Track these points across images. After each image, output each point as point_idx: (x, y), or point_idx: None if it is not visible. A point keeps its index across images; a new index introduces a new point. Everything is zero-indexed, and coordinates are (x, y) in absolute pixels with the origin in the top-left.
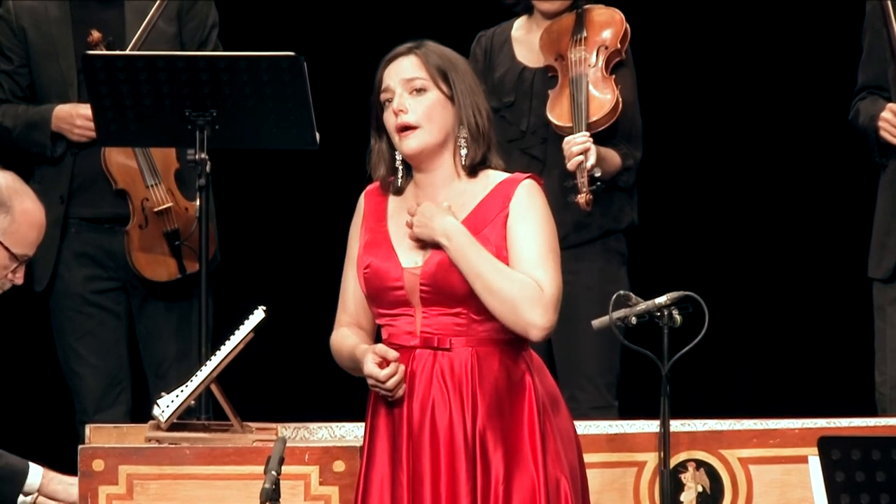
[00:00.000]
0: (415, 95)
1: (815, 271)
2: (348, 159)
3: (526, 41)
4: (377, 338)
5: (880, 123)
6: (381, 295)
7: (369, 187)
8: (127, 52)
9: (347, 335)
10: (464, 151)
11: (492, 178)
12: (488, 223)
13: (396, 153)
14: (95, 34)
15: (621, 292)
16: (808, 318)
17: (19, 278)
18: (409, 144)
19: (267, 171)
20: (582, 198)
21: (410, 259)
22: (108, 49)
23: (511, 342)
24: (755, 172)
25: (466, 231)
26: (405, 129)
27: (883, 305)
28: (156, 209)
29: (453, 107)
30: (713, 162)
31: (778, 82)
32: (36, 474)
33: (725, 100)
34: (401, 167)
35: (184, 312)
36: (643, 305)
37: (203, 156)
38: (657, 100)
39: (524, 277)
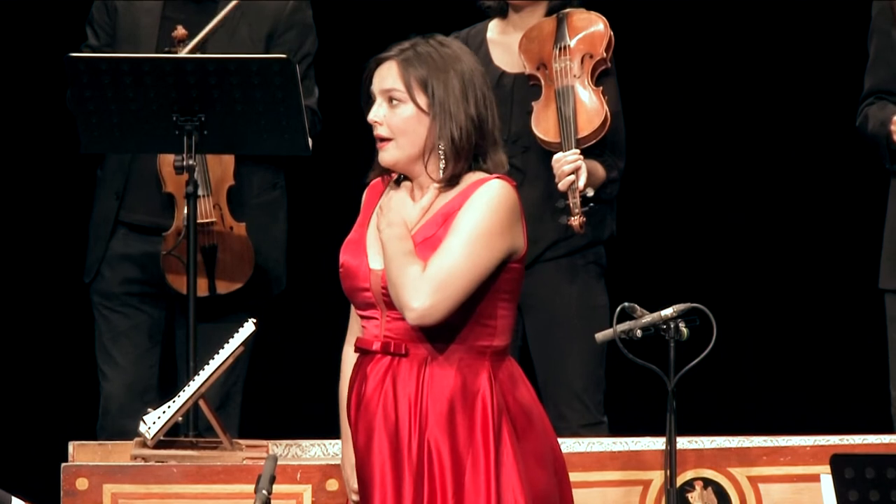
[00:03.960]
0: (391, 107)
1: (826, 282)
2: (343, 166)
3: (502, 44)
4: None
5: (893, 127)
6: (352, 295)
7: (373, 181)
8: (112, 54)
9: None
10: (442, 164)
11: (468, 179)
12: (447, 220)
13: None
14: (181, 30)
15: (626, 304)
16: (819, 331)
17: None
18: (383, 158)
19: None
20: (575, 220)
21: (378, 260)
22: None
23: (472, 352)
24: (767, 182)
25: (401, 226)
26: (380, 140)
27: None
28: (199, 221)
29: (431, 120)
30: (721, 170)
31: (784, 86)
32: None
33: (732, 105)
34: None
35: (219, 327)
36: (648, 318)
37: (191, 162)
38: (650, 107)
39: (411, 262)
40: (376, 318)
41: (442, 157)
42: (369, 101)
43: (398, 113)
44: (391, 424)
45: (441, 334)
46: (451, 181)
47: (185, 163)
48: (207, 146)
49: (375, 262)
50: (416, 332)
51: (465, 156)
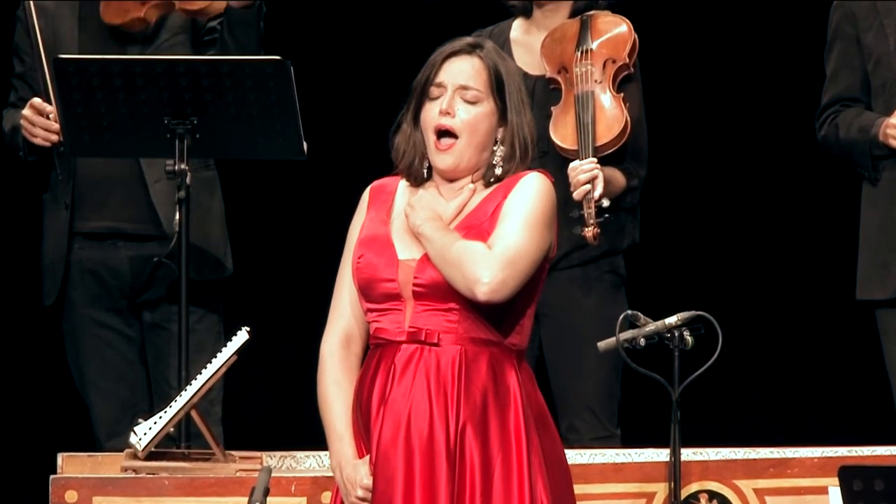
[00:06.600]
0: (467, 102)
1: (835, 290)
2: (339, 170)
3: (526, 44)
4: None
5: (888, 131)
6: (372, 287)
7: (375, 183)
8: (101, 56)
9: (338, 385)
10: (498, 170)
11: (506, 177)
12: (488, 215)
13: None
14: None
15: (629, 312)
16: (827, 340)
17: None
18: (445, 161)
19: (252, 183)
20: (589, 231)
21: (408, 252)
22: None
23: (502, 347)
24: (783, 190)
25: (439, 219)
26: (444, 133)
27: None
28: None
29: (498, 122)
30: (744, 177)
31: (789, 96)
32: None
33: (759, 112)
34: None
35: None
36: (652, 326)
37: (183, 166)
38: (676, 114)
39: (474, 243)
40: (398, 310)
41: (499, 162)
42: (425, 91)
43: (473, 110)
44: (424, 416)
45: (474, 328)
46: (495, 181)
47: (176, 167)
48: (200, 150)
49: (405, 254)
50: (447, 324)
51: (523, 160)
